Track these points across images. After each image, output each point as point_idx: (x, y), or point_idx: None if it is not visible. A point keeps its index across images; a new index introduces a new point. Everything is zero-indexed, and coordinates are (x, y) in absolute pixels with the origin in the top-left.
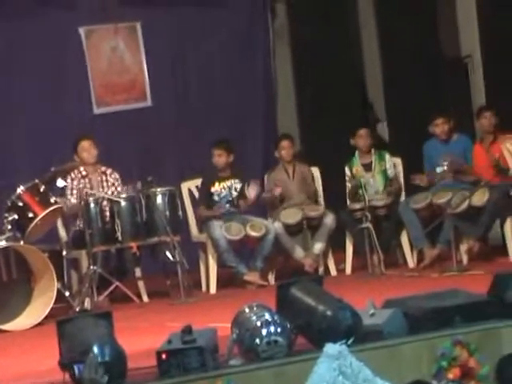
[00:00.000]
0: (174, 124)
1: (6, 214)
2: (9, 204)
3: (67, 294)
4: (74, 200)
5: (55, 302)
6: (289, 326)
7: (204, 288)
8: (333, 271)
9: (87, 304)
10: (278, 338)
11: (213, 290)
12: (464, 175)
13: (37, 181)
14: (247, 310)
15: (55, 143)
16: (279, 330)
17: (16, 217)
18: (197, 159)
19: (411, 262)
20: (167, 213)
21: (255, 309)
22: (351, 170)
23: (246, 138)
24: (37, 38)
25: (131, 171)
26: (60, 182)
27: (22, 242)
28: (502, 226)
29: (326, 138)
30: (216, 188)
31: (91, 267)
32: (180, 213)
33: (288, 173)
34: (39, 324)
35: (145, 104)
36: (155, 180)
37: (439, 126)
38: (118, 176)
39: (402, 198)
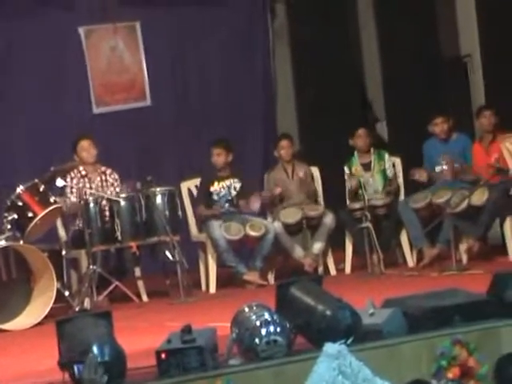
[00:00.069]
0: (173, 124)
1: (6, 214)
2: (8, 203)
3: (67, 293)
4: (73, 199)
5: (55, 302)
6: (288, 325)
7: (203, 288)
8: (332, 271)
9: (87, 304)
10: (277, 338)
11: (212, 289)
12: (463, 174)
13: (36, 180)
14: (247, 310)
15: (55, 143)
16: (279, 329)
17: (15, 216)
18: (196, 159)
19: (411, 261)
20: (167, 212)
21: (255, 308)
22: (350, 170)
23: (246, 137)
24: (36, 37)
25: (130, 171)
26: (59, 182)
27: (21, 242)
28: (501, 226)
29: (325, 137)
30: (215, 187)
31: (91, 267)
32: (179, 212)
33: (287, 172)
34: (39, 324)
35: (144, 104)
36: (155, 180)
37: (439, 126)
38: (117, 176)
39: (402, 197)
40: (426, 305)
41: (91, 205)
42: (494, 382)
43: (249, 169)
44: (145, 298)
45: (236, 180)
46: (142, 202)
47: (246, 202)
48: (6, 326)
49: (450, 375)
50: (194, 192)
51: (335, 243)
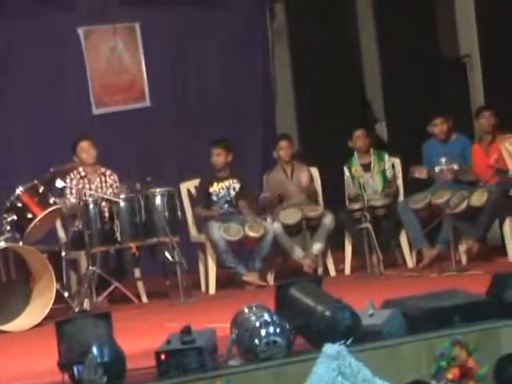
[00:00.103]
0: (172, 124)
1: (5, 215)
2: (8, 205)
3: (66, 294)
4: (73, 200)
5: (54, 303)
6: (288, 326)
7: (203, 288)
8: (332, 271)
9: (86, 305)
10: (277, 339)
11: (212, 290)
12: (463, 175)
13: (36, 181)
14: (246, 311)
15: (54, 144)
16: (278, 330)
17: (15, 217)
18: (196, 160)
19: (410, 262)
20: (166, 213)
21: (254, 309)
22: (350, 170)
23: (245, 138)
24: (36, 38)
25: (130, 172)
26: (59, 183)
27: (21, 243)
28: (500, 226)
29: (324, 138)
30: (214, 188)
31: (90, 268)
32: (179, 213)
33: (286, 173)
34: (38, 325)
35: (143, 104)
36: (154, 180)
37: (438, 126)
38: (116, 178)
39: (401, 197)
40: (426, 305)
41: (91, 206)
42: (494, 382)
43: (248, 169)
44: (144, 298)
45: (235, 181)
46: (142, 203)
47: (245, 203)
48: (5, 327)
49: (449, 376)
50: (194, 193)
51: (335, 244)
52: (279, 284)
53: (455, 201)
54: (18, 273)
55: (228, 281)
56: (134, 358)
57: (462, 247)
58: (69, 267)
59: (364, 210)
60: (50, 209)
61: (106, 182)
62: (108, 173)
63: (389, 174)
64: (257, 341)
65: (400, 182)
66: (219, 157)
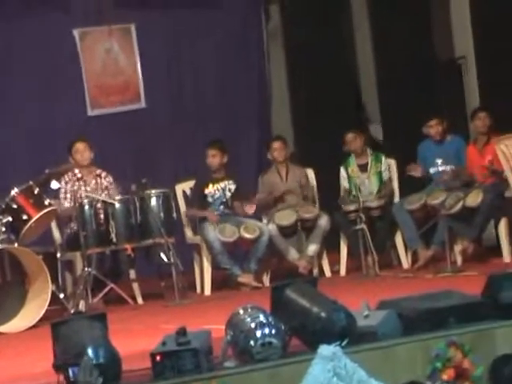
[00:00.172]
0: (168, 126)
1: (0, 217)
2: (3, 206)
3: (62, 296)
4: (67, 204)
5: (50, 304)
6: (283, 327)
7: (198, 290)
8: (327, 272)
9: (82, 306)
10: (272, 340)
11: (207, 291)
12: (458, 177)
13: (31, 183)
14: (241, 312)
15: (49, 145)
16: (273, 331)
17: (10, 219)
18: (191, 161)
19: (405, 262)
20: (161, 215)
21: (249, 310)
22: (347, 171)
23: (241, 139)
24: (31, 39)
25: (125, 173)
26: (54, 184)
27: (16, 245)
28: (496, 227)
29: (320, 139)
30: (210, 190)
31: (86, 269)
32: (174, 215)
33: (281, 175)
34: (34, 326)
35: (139, 106)
36: (149, 182)
37: (433, 127)
38: (112, 180)
39: (397, 199)
40: (421, 306)
41: (86, 207)
42: (489, 383)
43: (243, 171)
44: (140, 300)
45: (231, 182)
46: (137, 205)
47: (241, 205)
48: (0, 329)
49: (444, 377)
50: (189, 194)
51: (330, 245)
52: (275, 285)
53: (450, 202)
54: (14, 274)
55: (223, 282)
56: (129, 359)
57: (458, 248)
58: (64, 268)
59: (359, 212)
60: (45, 210)
61: (101, 183)
62: (103, 174)
63: (385, 175)
64: (252, 342)
65: (395, 183)
66: (214, 158)
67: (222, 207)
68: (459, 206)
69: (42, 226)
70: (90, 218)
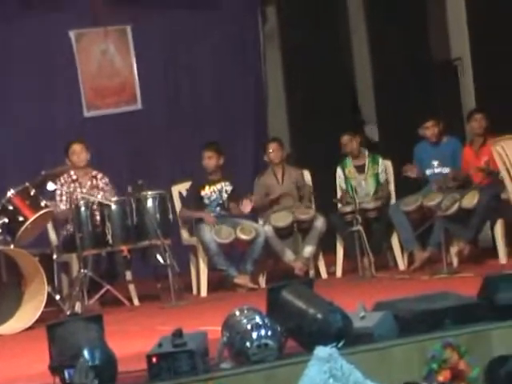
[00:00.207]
0: (164, 127)
1: None
2: None
3: (58, 297)
4: (63, 206)
5: (46, 306)
6: (279, 329)
7: (195, 291)
8: (323, 274)
9: (78, 308)
10: (268, 341)
11: (203, 293)
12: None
13: (27, 184)
14: (238, 313)
15: (45, 146)
16: (270, 333)
17: (6, 220)
18: (187, 162)
19: (402, 264)
20: (158, 216)
21: (246, 312)
22: (344, 171)
23: (237, 141)
24: (27, 40)
25: (122, 174)
26: (50, 186)
27: (12, 246)
28: (492, 228)
29: (316, 141)
30: (206, 191)
31: (82, 271)
32: (170, 216)
33: (277, 177)
34: (30, 328)
35: (135, 107)
36: (146, 183)
37: (429, 129)
38: (107, 180)
39: (393, 200)
40: (417, 308)
41: (82, 209)
42: None
43: (240, 172)
44: (136, 301)
45: (227, 183)
46: (133, 206)
47: (237, 204)
48: None
49: (440, 378)
50: (185, 195)
51: (326, 246)
52: (271, 287)
53: (447, 203)
54: (10, 276)
55: (219, 283)
56: (125, 361)
57: (454, 249)
58: (60, 270)
59: (355, 213)
60: (42, 212)
61: (97, 184)
62: (99, 176)
63: (382, 177)
64: (248, 343)
65: (392, 184)
66: (210, 160)
67: (218, 209)
68: (455, 207)
69: (38, 227)
70: (86, 220)
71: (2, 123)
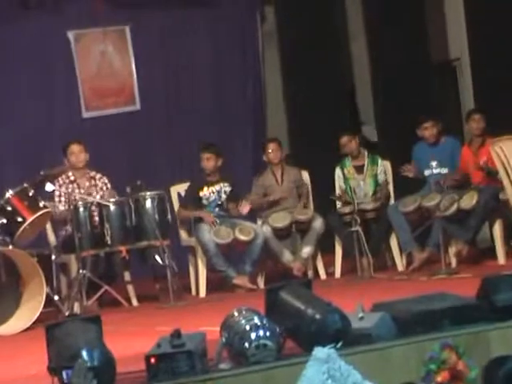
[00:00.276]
0: (163, 128)
1: None
2: None
3: (56, 298)
4: (61, 207)
5: (44, 307)
6: (278, 329)
7: (193, 292)
8: (322, 275)
9: (76, 308)
10: (267, 342)
11: (202, 293)
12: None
13: (26, 185)
14: (236, 314)
15: (44, 147)
16: (268, 333)
17: (5, 221)
18: (186, 163)
19: (400, 265)
20: (156, 217)
21: (244, 312)
22: (343, 171)
23: (236, 141)
24: (26, 41)
25: (120, 175)
26: (49, 186)
27: (10, 247)
28: (490, 229)
29: (314, 141)
30: (205, 192)
31: (80, 271)
32: (169, 217)
33: (276, 177)
34: (28, 328)
35: (134, 108)
36: (144, 184)
37: (428, 130)
38: (106, 180)
39: (392, 201)
40: (416, 309)
41: (80, 209)
42: None
43: (239, 173)
44: (134, 302)
45: (226, 184)
46: (132, 207)
47: (236, 205)
48: None
49: (439, 379)
50: (183, 195)
51: (325, 247)
52: (269, 287)
53: (445, 203)
54: (8, 276)
55: (218, 284)
56: (123, 361)
57: (452, 250)
58: (59, 271)
59: (354, 214)
60: (40, 212)
61: (95, 185)
62: (98, 176)
63: (380, 178)
64: (247, 344)
65: (390, 185)
66: (209, 161)
67: (217, 209)
68: (454, 207)
69: (36, 228)
70: (84, 220)
71: (0, 123)
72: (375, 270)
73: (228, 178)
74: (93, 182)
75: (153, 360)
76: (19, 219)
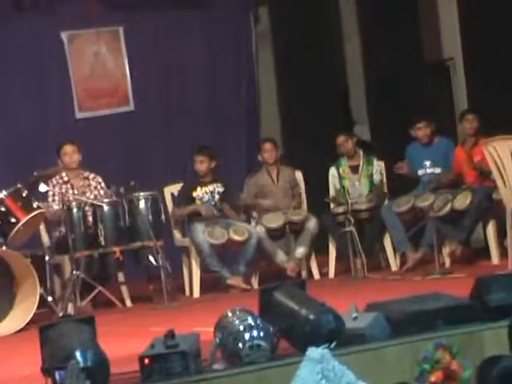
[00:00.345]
0: (156, 129)
1: None
2: None
3: (50, 299)
4: (56, 206)
5: (38, 308)
6: (272, 329)
7: (187, 292)
8: (316, 275)
9: (70, 309)
10: (260, 342)
11: (196, 294)
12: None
13: (19, 185)
14: (230, 314)
15: (37, 147)
16: (262, 334)
17: None
18: (180, 163)
19: (394, 265)
20: (150, 217)
21: (238, 313)
22: (339, 171)
23: (230, 142)
24: (19, 42)
25: (114, 176)
26: (42, 187)
27: (4, 247)
28: (484, 229)
29: (308, 142)
30: (198, 192)
31: (74, 272)
32: (163, 217)
33: (272, 177)
34: (22, 329)
35: (127, 108)
36: (138, 184)
37: (421, 130)
38: (100, 180)
39: (385, 201)
40: (409, 309)
41: (74, 210)
42: None
43: (232, 174)
44: (128, 303)
45: (219, 185)
46: (126, 207)
47: (230, 205)
48: None
49: (432, 379)
50: (176, 195)
51: (319, 247)
52: (263, 288)
53: (439, 204)
54: (2, 277)
55: (212, 284)
56: (117, 362)
57: (446, 250)
58: (52, 271)
59: (348, 214)
60: (34, 213)
61: (89, 185)
62: (91, 176)
63: (375, 178)
64: (240, 344)
65: (384, 185)
66: (202, 164)
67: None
68: (447, 208)
69: (30, 228)
70: (78, 221)
71: None
72: (369, 270)
73: (221, 178)
74: (86, 182)
75: (147, 361)
76: (13, 220)
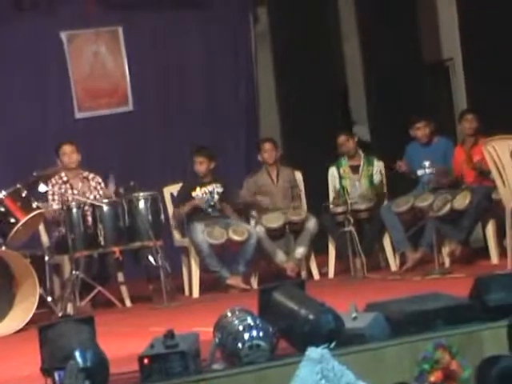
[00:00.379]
0: (155, 129)
1: None
2: None
3: (49, 299)
4: (55, 206)
5: (37, 308)
6: (271, 329)
7: (187, 292)
8: (315, 275)
9: (69, 309)
10: (260, 342)
11: (195, 294)
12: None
13: (19, 186)
14: (229, 314)
15: (37, 147)
16: (261, 334)
17: None
18: (179, 164)
19: (393, 265)
20: (149, 217)
21: (237, 313)
22: (339, 171)
23: (229, 142)
24: (19, 42)
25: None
26: (42, 187)
27: (3, 248)
28: (483, 229)
29: (308, 142)
30: (197, 193)
31: (73, 272)
32: (162, 217)
33: (272, 177)
34: (21, 329)
35: (126, 109)
36: (137, 185)
37: (420, 130)
38: (100, 180)
39: (385, 201)
40: (409, 309)
41: (74, 210)
42: None
43: (231, 174)
44: (128, 303)
45: (218, 185)
46: (125, 207)
47: (229, 205)
48: None
49: (432, 379)
50: (176, 195)
51: (318, 247)
52: (262, 288)
53: (438, 204)
54: (1, 277)
55: (212, 284)
56: (117, 362)
57: (445, 250)
58: (52, 272)
59: (347, 214)
60: (33, 213)
61: (89, 185)
62: (91, 176)
63: (375, 179)
64: (240, 344)
65: (384, 186)
66: (202, 165)
67: (210, 210)
68: (447, 208)
69: (29, 229)
70: (77, 221)
71: None
72: (368, 270)
73: (220, 179)
74: (86, 182)
75: (146, 361)
76: (12, 220)
